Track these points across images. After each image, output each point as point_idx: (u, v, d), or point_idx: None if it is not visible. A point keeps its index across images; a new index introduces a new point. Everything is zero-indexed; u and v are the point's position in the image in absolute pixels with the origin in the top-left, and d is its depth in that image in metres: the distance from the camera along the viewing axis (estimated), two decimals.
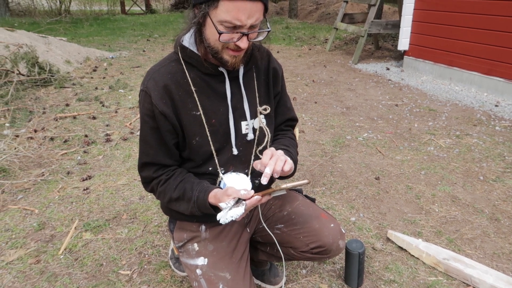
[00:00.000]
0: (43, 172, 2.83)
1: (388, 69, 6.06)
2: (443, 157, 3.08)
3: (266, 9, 1.16)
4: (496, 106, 4.27)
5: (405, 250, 2.01)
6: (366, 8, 8.65)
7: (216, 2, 1.09)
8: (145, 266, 1.92)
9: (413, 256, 1.97)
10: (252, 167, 1.40)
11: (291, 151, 1.39)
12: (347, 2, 7.27)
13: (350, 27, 6.84)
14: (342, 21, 7.26)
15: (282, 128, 1.52)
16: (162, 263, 1.93)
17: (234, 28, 1.11)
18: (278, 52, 7.45)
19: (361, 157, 3.10)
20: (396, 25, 6.25)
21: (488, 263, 1.94)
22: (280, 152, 1.21)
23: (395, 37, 8.14)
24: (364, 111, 4.18)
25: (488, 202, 2.46)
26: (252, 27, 1.13)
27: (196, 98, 1.28)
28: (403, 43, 5.87)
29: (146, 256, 2.00)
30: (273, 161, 1.17)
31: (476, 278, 1.74)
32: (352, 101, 4.53)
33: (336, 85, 5.19)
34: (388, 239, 2.11)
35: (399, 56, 6.75)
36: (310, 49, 7.74)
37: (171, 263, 1.88)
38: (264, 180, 1.14)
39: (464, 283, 1.79)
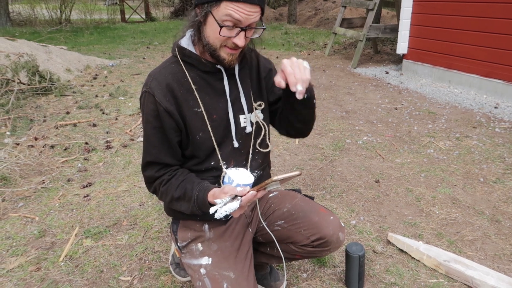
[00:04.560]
0: (43, 180, 2.84)
1: (387, 72, 6.08)
2: (443, 159, 3.08)
3: (262, 13, 1.23)
4: (495, 108, 4.27)
5: (406, 253, 2.01)
6: (365, 12, 8.69)
7: (218, 2, 1.17)
8: (146, 272, 1.92)
9: (414, 258, 1.97)
10: (250, 160, 1.45)
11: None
12: (345, 7, 7.31)
13: (348, 31, 6.87)
14: (340, 26, 7.30)
15: None
16: (163, 269, 1.93)
17: (234, 25, 1.19)
18: (277, 57, 7.47)
19: (361, 161, 3.10)
20: (395, 29, 6.27)
21: (489, 264, 1.93)
22: (294, 58, 1.22)
23: (393, 41, 8.17)
24: (363, 114, 4.19)
25: (488, 203, 2.46)
26: (249, 26, 1.21)
27: (197, 96, 1.33)
28: (402, 46, 5.89)
29: (147, 262, 2.00)
30: (297, 69, 1.16)
31: (478, 279, 1.74)
32: (352, 105, 4.54)
33: (335, 89, 5.20)
34: (389, 242, 2.10)
35: (398, 60, 6.77)
36: (309, 54, 7.77)
37: (171, 269, 1.88)
38: (300, 96, 1.16)
39: (466, 285, 1.79)
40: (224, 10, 1.16)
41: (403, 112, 4.25)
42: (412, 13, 5.69)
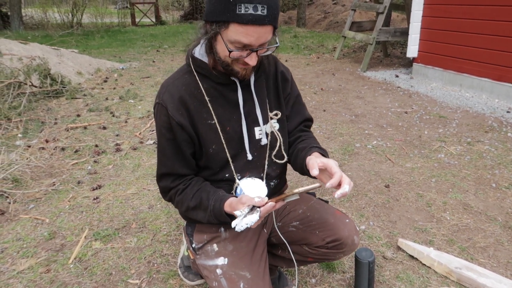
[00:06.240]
0: (54, 182, 2.86)
1: (397, 76, 6.04)
2: (454, 164, 3.04)
3: (275, 29, 1.19)
4: (508, 112, 4.21)
5: (416, 259, 1.98)
6: (374, 16, 8.66)
7: (227, 24, 1.12)
8: (154, 275, 1.92)
9: (425, 265, 1.94)
10: (267, 171, 1.42)
11: (323, 148, 1.42)
12: (355, 10, 7.29)
13: (358, 35, 6.84)
14: (350, 29, 7.27)
15: (303, 129, 1.54)
16: (171, 272, 1.93)
17: (244, 47, 1.14)
18: (286, 60, 7.47)
19: (370, 165, 3.07)
20: (405, 32, 6.23)
21: (502, 272, 1.90)
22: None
23: (403, 45, 8.12)
24: (373, 118, 4.16)
25: (501, 209, 2.42)
26: (261, 46, 1.16)
27: (210, 108, 1.31)
28: (412, 50, 5.85)
29: (155, 265, 2.00)
30: (347, 182, 1.15)
31: (490, 287, 1.71)
32: (361, 108, 4.51)
33: (344, 93, 5.18)
34: (399, 248, 2.08)
35: (408, 63, 6.72)
36: (318, 58, 7.76)
37: (179, 272, 1.88)
38: (339, 196, 1.13)
39: None
40: (233, 34, 1.11)
41: (413, 116, 4.21)
42: (422, 16, 5.64)
